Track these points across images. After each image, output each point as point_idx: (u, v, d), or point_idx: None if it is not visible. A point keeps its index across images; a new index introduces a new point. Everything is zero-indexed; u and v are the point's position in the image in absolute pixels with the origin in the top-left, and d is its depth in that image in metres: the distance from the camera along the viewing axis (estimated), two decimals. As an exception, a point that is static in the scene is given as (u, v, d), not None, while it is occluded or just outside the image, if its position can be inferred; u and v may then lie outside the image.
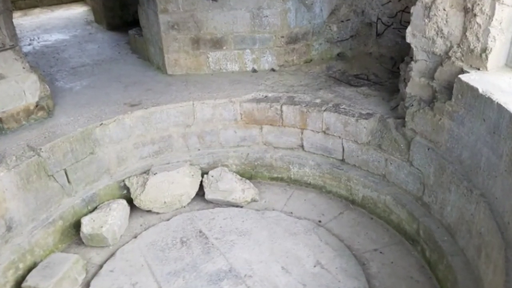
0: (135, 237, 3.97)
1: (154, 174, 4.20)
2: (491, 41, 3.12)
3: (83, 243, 3.91)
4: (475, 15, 3.16)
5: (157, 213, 4.26)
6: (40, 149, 3.71)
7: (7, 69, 3.87)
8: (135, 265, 3.63)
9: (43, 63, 5.84)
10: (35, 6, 9.31)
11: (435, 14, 3.44)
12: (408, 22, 3.73)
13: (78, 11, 9.04)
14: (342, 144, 4.25)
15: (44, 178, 3.73)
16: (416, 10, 3.61)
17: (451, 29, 3.37)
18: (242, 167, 4.65)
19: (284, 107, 4.39)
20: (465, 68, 3.30)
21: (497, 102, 2.78)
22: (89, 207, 4.10)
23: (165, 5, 4.85)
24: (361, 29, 5.30)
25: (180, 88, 4.82)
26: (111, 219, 3.90)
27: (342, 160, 4.32)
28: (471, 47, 3.25)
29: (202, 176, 4.42)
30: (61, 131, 3.97)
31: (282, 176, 4.62)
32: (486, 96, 2.89)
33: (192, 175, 4.36)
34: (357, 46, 5.38)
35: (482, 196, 2.96)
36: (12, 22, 3.97)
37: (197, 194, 4.40)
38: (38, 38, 7.17)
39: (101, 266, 3.66)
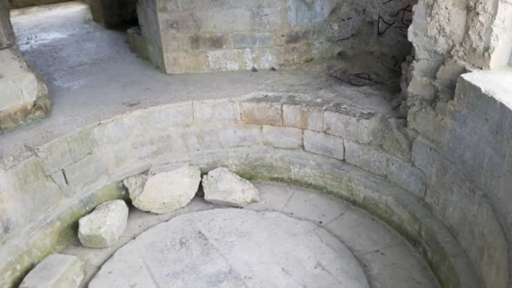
0: (134, 238, 3.93)
1: (153, 175, 4.16)
2: (494, 40, 3.09)
3: (81, 244, 3.87)
4: (477, 13, 3.13)
5: (156, 214, 4.22)
6: (38, 149, 3.67)
7: (4, 68, 3.82)
8: (134, 266, 3.59)
9: (41, 62, 5.79)
10: (32, 5, 9.25)
11: (437, 13, 3.40)
12: (410, 21, 3.70)
13: (76, 9, 8.99)
14: (343, 144, 4.21)
15: (42, 178, 3.69)
16: (418, 9, 3.58)
17: (454, 27, 3.34)
18: (242, 167, 4.61)
19: (285, 107, 4.35)
20: (467, 67, 3.26)
21: (500, 102, 2.75)
22: (87, 208, 4.05)
23: (164, 4, 4.81)
24: (362, 28, 5.26)
25: (179, 88, 4.78)
26: (110, 220, 3.85)
27: (343, 160, 4.28)
28: (474, 46, 3.22)
29: (202, 177, 4.38)
30: (59, 131, 3.93)
31: (283, 177, 4.58)
32: (489, 95, 2.85)
33: (192, 176, 4.32)
34: (358, 45, 5.34)
35: (485, 197, 2.93)
36: (9, 21, 3.92)
37: (196, 194, 4.35)
38: (36, 37, 7.12)
39: (99, 268, 3.62)
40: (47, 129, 3.97)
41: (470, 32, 3.22)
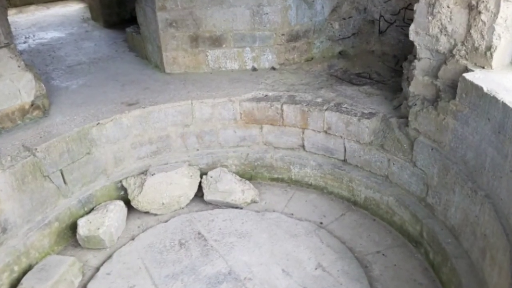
0: (133, 239, 3.89)
1: (152, 175, 4.13)
2: (496, 39, 3.06)
3: (79, 245, 3.84)
4: (479, 12, 3.10)
5: (155, 214, 4.19)
6: (36, 149, 3.63)
7: (2, 68, 3.78)
8: (133, 267, 3.56)
9: (39, 62, 5.76)
10: (30, 3, 9.20)
11: (439, 12, 3.37)
12: (412, 20, 3.67)
13: (74, 8, 8.95)
14: (344, 144, 4.18)
15: (40, 178, 3.65)
16: (419, 8, 3.54)
17: (455, 26, 3.31)
18: (242, 167, 4.58)
19: (285, 106, 4.32)
20: (469, 67, 3.23)
21: (502, 102, 2.72)
22: (86, 209, 4.02)
23: (163, 2, 4.77)
24: (363, 27, 5.23)
25: (178, 87, 4.74)
26: (108, 220, 3.82)
27: (344, 161, 4.25)
28: (476, 45, 3.19)
29: (201, 177, 4.35)
30: (57, 131, 3.89)
31: (283, 177, 4.55)
32: (491, 95, 2.82)
33: (191, 176, 4.29)
34: (359, 44, 5.31)
35: (487, 197, 2.90)
36: (6, 20, 3.89)
37: (196, 195, 4.30)
38: (34, 36, 7.08)
39: (97, 269, 3.59)
40: (45, 129, 3.94)
41: (472, 31, 3.19)
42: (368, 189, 4.02)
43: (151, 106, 4.34)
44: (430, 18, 3.46)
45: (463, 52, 3.29)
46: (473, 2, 3.12)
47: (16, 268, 3.42)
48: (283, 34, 4.90)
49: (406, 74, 4.00)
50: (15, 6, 8.99)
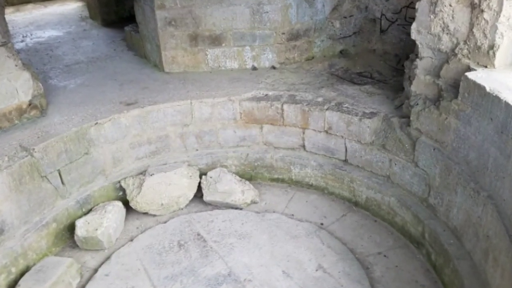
0: (131, 240, 3.85)
1: (151, 175, 4.09)
2: (499, 37, 3.02)
3: (77, 246, 3.80)
4: (482, 11, 3.06)
5: (154, 215, 4.14)
6: (33, 149, 3.59)
7: (-1, 67, 3.76)
8: (131, 269, 3.52)
9: (36, 61, 5.71)
10: (28, 2, 9.16)
11: (441, 10, 3.33)
12: (413, 18, 3.63)
13: (72, 6, 8.90)
14: (345, 144, 4.14)
15: (37, 179, 3.61)
16: (421, 6, 3.50)
17: (458, 25, 3.27)
18: (242, 167, 4.54)
19: (285, 106, 4.28)
20: (472, 66, 3.20)
21: (505, 101, 2.68)
22: (84, 209, 3.98)
23: (162, 1, 4.73)
24: (365, 26, 5.19)
25: (177, 87, 4.70)
26: (107, 221, 3.78)
27: (345, 161, 4.21)
28: (478, 44, 3.15)
29: (201, 177, 4.32)
30: (55, 131, 3.85)
31: (283, 177, 4.51)
32: (494, 94, 2.79)
33: (190, 176, 4.25)
34: (361, 43, 5.27)
35: (490, 198, 2.87)
36: (4, 18, 3.84)
37: (195, 195, 4.25)
38: (31, 34, 7.04)
39: (96, 270, 3.55)
40: (42, 128, 3.89)
41: (474, 30, 3.15)
42: (370, 189, 3.98)
43: (150, 105, 4.30)
44: (432, 16, 3.42)
45: (465, 51, 3.26)
46: (476, 1, 3.08)
47: (13, 269, 3.39)
48: (283, 33, 4.86)
49: (408, 73, 3.96)
50: (13, 4, 8.94)
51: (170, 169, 4.19)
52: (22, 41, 6.68)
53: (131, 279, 3.43)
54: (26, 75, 3.96)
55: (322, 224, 3.96)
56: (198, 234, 3.84)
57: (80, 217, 3.87)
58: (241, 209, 4.17)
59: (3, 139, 3.73)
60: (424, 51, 3.61)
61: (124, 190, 4.15)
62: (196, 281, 3.36)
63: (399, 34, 4.92)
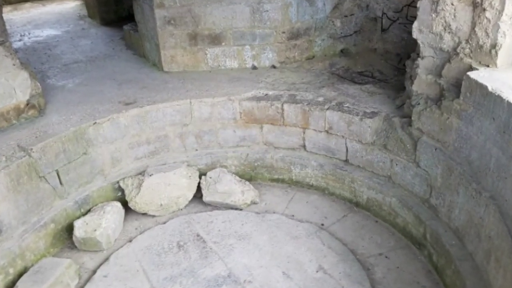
0: (130, 241, 3.82)
1: (150, 175, 4.06)
2: (501, 36, 2.99)
3: (75, 247, 3.76)
4: (484, 9, 3.03)
5: (153, 216, 4.11)
6: (31, 149, 3.55)
7: (-4, 66, 3.72)
8: (130, 270, 3.49)
9: (34, 60, 5.67)
10: (26, 0, 9.11)
11: (442, 9, 3.30)
12: (415, 17, 3.59)
13: (71, 5, 8.85)
14: (345, 144, 4.11)
15: (35, 179, 3.58)
16: (423, 5, 3.47)
17: (460, 24, 3.24)
18: (242, 168, 4.51)
19: (285, 106, 4.24)
20: (474, 65, 3.16)
21: (508, 101, 2.65)
22: (82, 210, 3.95)
23: (162, 0, 4.70)
24: (366, 24, 5.15)
25: (176, 86, 4.66)
26: (105, 222, 3.75)
27: (346, 161, 4.18)
28: (480, 43, 3.12)
29: (200, 178, 4.28)
30: (53, 131, 3.82)
31: (283, 178, 4.48)
32: (496, 94, 2.76)
33: (190, 177, 4.21)
34: (362, 42, 5.23)
35: (492, 199, 2.84)
36: (1, 17, 3.81)
37: (194, 196, 4.21)
38: (29, 33, 6.99)
39: (94, 271, 3.52)
40: (40, 128, 3.86)
41: (476, 29, 3.12)
42: (371, 190, 3.95)
43: (149, 105, 4.27)
44: (433, 15, 3.38)
45: (467, 50, 3.23)
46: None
47: (11, 270, 3.35)
48: (283, 32, 4.83)
49: (409, 72, 3.93)
50: (10, 3, 8.89)
51: (170, 169, 4.16)
52: (20, 40, 6.64)
53: (129, 280, 3.39)
54: (24, 74, 3.93)
55: (322, 224, 3.93)
56: (198, 235, 3.81)
57: (78, 217, 3.84)
58: (241, 209, 4.13)
59: (0, 139, 3.69)
60: (425, 50, 3.58)
61: (123, 190, 4.11)
62: (196, 282, 3.33)
63: (401, 33, 4.89)
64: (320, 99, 4.25)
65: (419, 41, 3.60)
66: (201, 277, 3.38)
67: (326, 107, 4.12)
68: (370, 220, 3.97)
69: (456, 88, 3.25)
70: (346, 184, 4.14)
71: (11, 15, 8.21)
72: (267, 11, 4.70)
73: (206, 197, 4.18)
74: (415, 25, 3.58)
